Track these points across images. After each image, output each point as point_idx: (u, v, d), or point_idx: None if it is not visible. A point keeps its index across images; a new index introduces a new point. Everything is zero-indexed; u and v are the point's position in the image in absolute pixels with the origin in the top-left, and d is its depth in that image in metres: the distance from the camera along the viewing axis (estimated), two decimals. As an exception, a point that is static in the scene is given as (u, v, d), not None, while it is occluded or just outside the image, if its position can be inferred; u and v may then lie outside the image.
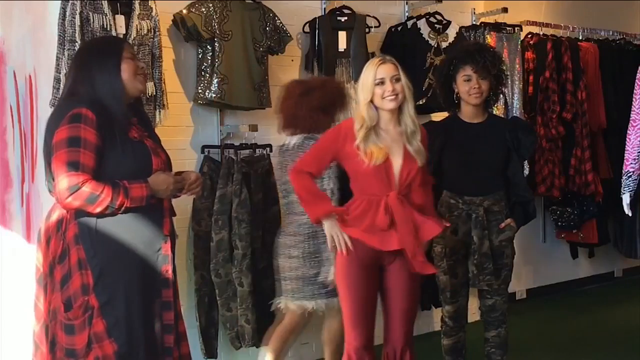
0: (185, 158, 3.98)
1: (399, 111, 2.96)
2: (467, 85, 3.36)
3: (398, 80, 2.93)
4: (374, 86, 2.92)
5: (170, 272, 2.66)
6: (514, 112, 4.97)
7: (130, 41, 3.52)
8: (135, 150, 2.58)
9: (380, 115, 2.96)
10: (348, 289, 2.98)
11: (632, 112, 3.82)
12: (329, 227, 2.95)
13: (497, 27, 5.03)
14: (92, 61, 2.61)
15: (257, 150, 4.02)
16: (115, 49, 2.65)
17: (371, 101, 2.94)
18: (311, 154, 3.07)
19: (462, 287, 3.45)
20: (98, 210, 2.48)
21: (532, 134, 3.53)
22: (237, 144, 4.01)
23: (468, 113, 3.45)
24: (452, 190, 3.42)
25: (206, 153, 3.96)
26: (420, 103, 4.49)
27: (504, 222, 3.41)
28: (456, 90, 3.42)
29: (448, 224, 3.21)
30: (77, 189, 2.44)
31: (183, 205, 3.91)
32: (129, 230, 2.55)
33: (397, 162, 2.94)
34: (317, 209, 2.97)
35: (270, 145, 4.09)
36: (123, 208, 2.51)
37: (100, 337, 2.51)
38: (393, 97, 2.91)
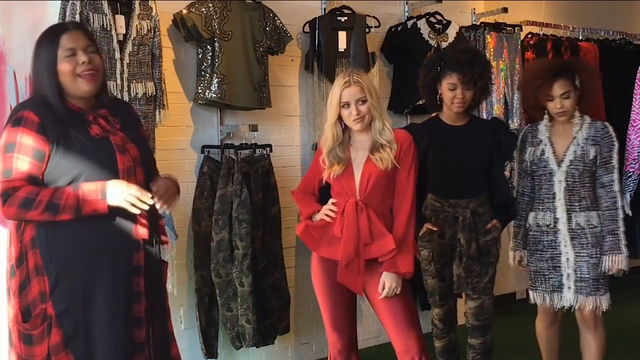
0: (185, 158, 3.98)
1: (369, 127, 3.01)
2: (451, 94, 3.32)
3: (364, 102, 2.95)
4: (340, 108, 2.97)
5: (142, 284, 2.41)
6: (514, 112, 4.97)
7: (130, 41, 3.52)
8: (96, 149, 2.36)
9: (348, 129, 3.03)
10: (324, 293, 3.06)
11: (632, 112, 3.82)
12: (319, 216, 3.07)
13: (497, 27, 5.03)
14: (35, 60, 2.42)
15: (257, 150, 4.02)
16: (50, 46, 2.39)
17: (339, 119, 3.00)
18: (304, 177, 3.27)
19: (451, 290, 3.43)
20: (38, 215, 2.27)
21: (512, 135, 3.54)
22: (237, 144, 4.01)
23: (450, 116, 3.42)
24: (437, 194, 3.39)
25: (206, 153, 3.96)
26: (420, 103, 4.49)
27: (490, 223, 3.39)
28: (440, 92, 3.40)
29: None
30: (8, 196, 2.28)
31: (183, 205, 3.92)
32: (90, 234, 2.34)
33: (358, 169, 2.99)
34: (306, 212, 3.13)
35: (270, 145, 4.09)
36: (76, 208, 2.28)
37: (56, 350, 2.31)
38: (358, 120, 2.95)
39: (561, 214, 3.33)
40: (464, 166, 3.37)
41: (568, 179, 3.32)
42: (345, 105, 2.96)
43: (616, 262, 3.29)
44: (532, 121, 3.59)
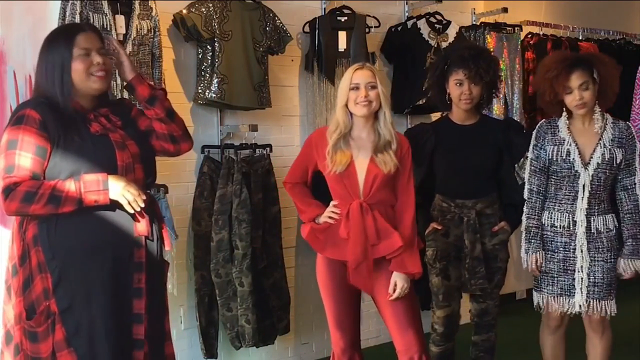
0: (185, 158, 3.96)
1: (375, 119, 2.98)
2: (458, 90, 3.32)
3: (374, 87, 2.95)
4: (349, 91, 2.95)
5: (143, 281, 2.44)
6: (514, 112, 4.98)
7: (130, 41, 3.52)
8: (96, 146, 2.39)
9: (355, 121, 3.00)
10: (328, 292, 3.06)
11: (632, 112, 3.82)
12: (322, 218, 3.04)
13: (497, 27, 5.03)
14: (43, 58, 2.45)
15: (257, 150, 4.02)
16: (65, 45, 2.42)
17: (346, 105, 2.97)
18: (294, 165, 3.19)
19: (455, 291, 3.42)
20: (41, 208, 2.29)
21: (525, 136, 3.47)
22: (237, 144, 4.01)
23: (459, 115, 3.41)
24: (444, 194, 3.39)
25: (206, 153, 3.96)
26: (420, 103, 4.50)
27: (497, 226, 3.38)
28: (448, 91, 3.39)
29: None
30: (10, 191, 2.30)
31: (183, 205, 3.92)
32: (92, 231, 2.37)
33: (361, 170, 2.96)
34: (309, 214, 3.09)
35: (270, 145, 4.09)
36: (78, 199, 2.30)
37: (60, 347, 2.34)
38: (365, 103, 2.93)
39: (581, 217, 3.18)
40: (471, 166, 3.36)
41: (593, 183, 3.16)
42: (355, 88, 2.94)
43: (633, 266, 3.20)
44: (532, 121, 3.55)
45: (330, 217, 3.00)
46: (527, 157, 3.35)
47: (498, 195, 3.42)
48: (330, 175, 2.98)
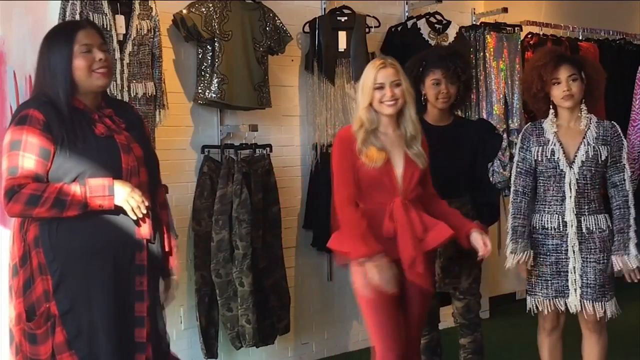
0: (185, 158, 3.98)
1: (399, 115, 2.92)
2: (436, 89, 3.34)
3: (398, 85, 2.87)
4: (373, 90, 2.87)
5: (145, 284, 2.42)
6: (514, 112, 4.98)
7: (130, 41, 3.52)
8: (101, 148, 2.37)
9: (380, 118, 2.92)
10: (372, 303, 2.87)
11: (632, 112, 3.81)
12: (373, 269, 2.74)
13: (497, 27, 5.03)
14: (44, 57, 2.42)
15: (257, 150, 4.02)
16: (66, 42, 2.39)
17: (371, 104, 2.89)
18: (340, 177, 2.89)
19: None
20: (45, 212, 2.27)
21: (497, 136, 3.53)
22: (237, 144, 4.01)
23: (434, 116, 3.42)
24: None
25: (206, 153, 3.96)
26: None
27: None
28: (423, 92, 3.40)
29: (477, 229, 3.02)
30: (13, 193, 2.27)
31: (183, 205, 3.92)
32: (93, 233, 2.34)
33: (398, 167, 2.88)
34: (367, 250, 2.78)
35: (270, 145, 4.09)
36: (83, 204, 2.28)
37: (60, 349, 2.32)
38: (392, 102, 2.86)
39: (571, 217, 3.15)
40: (446, 167, 3.34)
41: (580, 181, 3.13)
42: (380, 87, 2.86)
43: (624, 263, 3.13)
44: (533, 121, 3.53)
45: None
46: (499, 159, 3.42)
47: (471, 196, 3.43)
48: (368, 171, 2.85)
